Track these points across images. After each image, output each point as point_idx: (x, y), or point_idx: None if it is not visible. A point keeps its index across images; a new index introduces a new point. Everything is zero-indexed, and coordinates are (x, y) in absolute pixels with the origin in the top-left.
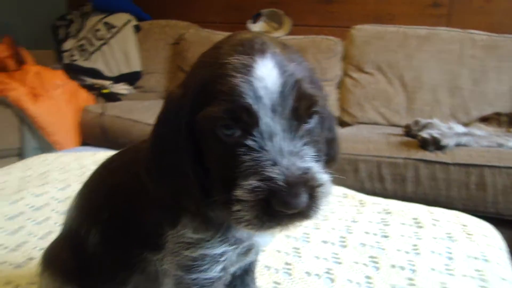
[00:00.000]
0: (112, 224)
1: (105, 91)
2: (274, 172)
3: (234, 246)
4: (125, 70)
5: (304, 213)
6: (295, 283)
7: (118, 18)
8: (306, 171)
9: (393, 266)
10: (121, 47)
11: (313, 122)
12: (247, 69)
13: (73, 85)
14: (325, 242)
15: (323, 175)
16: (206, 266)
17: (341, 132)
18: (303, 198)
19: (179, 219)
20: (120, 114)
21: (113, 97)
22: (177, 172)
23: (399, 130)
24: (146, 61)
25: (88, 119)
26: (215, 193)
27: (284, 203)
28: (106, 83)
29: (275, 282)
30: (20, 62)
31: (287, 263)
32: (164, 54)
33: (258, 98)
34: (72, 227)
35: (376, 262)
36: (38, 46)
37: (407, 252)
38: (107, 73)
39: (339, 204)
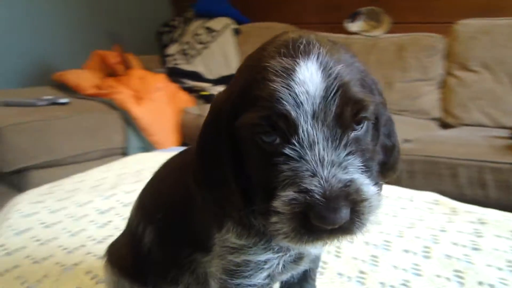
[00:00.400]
0: (166, 223)
1: (204, 93)
2: (312, 184)
3: (279, 254)
4: (224, 72)
5: (346, 229)
6: None
7: (218, 22)
8: (349, 184)
9: (480, 283)
10: (221, 50)
11: (362, 129)
12: (288, 73)
13: (174, 87)
14: (406, 251)
15: (369, 188)
16: (250, 272)
17: (442, 134)
18: (342, 214)
19: (224, 223)
20: None
21: (212, 99)
22: (219, 179)
23: (507, 133)
24: None
25: (188, 120)
26: (256, 202)
27: (321, 218)
28: (206, 85)
29: None
30: (127, 67)
31: (361, 272)
32: None
33: (298, 104)
34: (133, 224)
35: (461, 277)
36: (144, 52)
37: (499, 269)
38: (207, 75)
39: (429, 211)
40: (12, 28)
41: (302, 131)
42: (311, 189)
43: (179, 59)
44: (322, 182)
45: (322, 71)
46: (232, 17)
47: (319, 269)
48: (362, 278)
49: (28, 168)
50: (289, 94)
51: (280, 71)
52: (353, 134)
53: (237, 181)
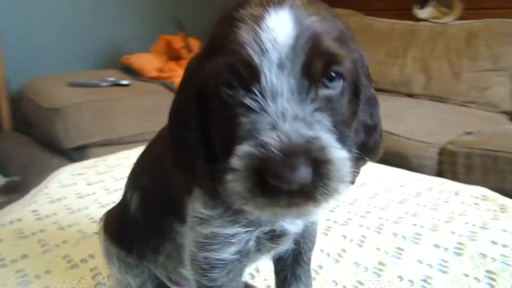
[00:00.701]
0: (149, 191)
1: None
2: (270, 137)
3: (248, 229)
4: None
5: (307, 194)
6: (381, 286)
7: None
8: (312, 141)
9: None
10: None
11: (336, 89)
12: (256, 20)
13: None
14: (437, 246)
15: (337, 151)
16: (217, 246)
17: (508, 128)
18: (301, 172)
19: (193, 191)
20: None
21: None
22: (185, 141)
23: None
24: None
25: None
26: (218, 164)
27: (277, 175)
28: None
29: (358, 282)
30: (190, 51)
31: (381, 263)
32: None
33: (263, 51)
34: (125, 191)
35: (493, 279)
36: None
37: None
38: None
39: (474, 206)
40: (85, 12)
41: (265, 80)
42: (268, 142)
43: None
44: (281, 136)
45: (294, 20)
46: None
47: (335, 257)
48: (380, 270)
49: (89, 145)
50: (254, 40)
51: (248, 19)
52: (325, 92)
53: (205, 144)
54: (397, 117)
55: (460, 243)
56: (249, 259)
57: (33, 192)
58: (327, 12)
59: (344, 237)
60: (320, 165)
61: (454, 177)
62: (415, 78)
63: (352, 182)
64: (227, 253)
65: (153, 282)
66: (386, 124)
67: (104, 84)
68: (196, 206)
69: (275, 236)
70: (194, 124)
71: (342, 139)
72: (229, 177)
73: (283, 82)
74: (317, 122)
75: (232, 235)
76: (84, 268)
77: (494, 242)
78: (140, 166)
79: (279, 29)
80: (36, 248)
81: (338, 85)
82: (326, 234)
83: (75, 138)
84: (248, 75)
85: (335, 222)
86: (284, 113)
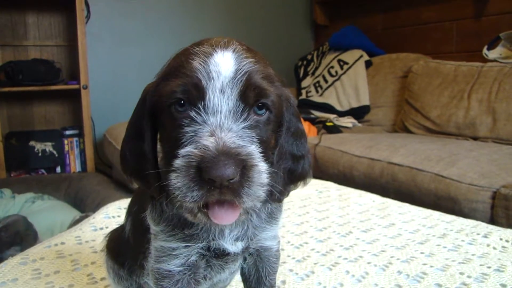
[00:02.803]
0: (137, 216)
1: (329, 123)
2: (208, 141)
3: (186, 243)
4: (355, 104)
5: (235, 191)
6: None
7: (351, 55)
8: (241, 147)
9: None
10: (352, 82)
11: (263, 117)
12: (206, 55)
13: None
14: (439, 285)
15: (260, 161)
16: (164, 258)
17: None
18: (231, 169)
19: (146, 210)
20: (332, 145)
21: (335, 130)
22: (138, 155)
23: None
24: (375, 95)
25: None
26: (164, 172)
27: (211, 169)
28: (331, 116)
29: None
30: None
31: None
32: (392, 87)
33: (210, 78)
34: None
35: None
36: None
37: None
38: (338, 107)
39: (500, 249)
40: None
41: (209, 100)
42: (206, 145)
43: (312, 91)
44: (217, 140)
45: (235, 59)
46: (365, 49)
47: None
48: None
49: None
50: (204, 69)
51: (200, 54)
52: (254, 116)
53: (154, 157)
54: (451, 160)
55: (464, 284)
56: (199, 273)
57: (83, 222)
58: (260, 58)
59: (347, 272)
60: (246, 168)
61: (508, 222)
62: (481, 120)
63: (279, 200)
64: (173, 265)
65: None
66: (437, 167)
67: None
68: (150, 223)
69: (219, 255)
70: (148, 136)
71: (264, 156)
72: (172, 175)
73: (222, 103)
74: (246, 136)
75: (174, 249)
76: (101, 284)
77: (503, 285)
78: (134, 195)
79: (223, 64)
80: (68, 266)
81: (265, 114)
82: (331, 269)
83: None
84: (196, 94)
85: (345, 259)
86: (221, 126)
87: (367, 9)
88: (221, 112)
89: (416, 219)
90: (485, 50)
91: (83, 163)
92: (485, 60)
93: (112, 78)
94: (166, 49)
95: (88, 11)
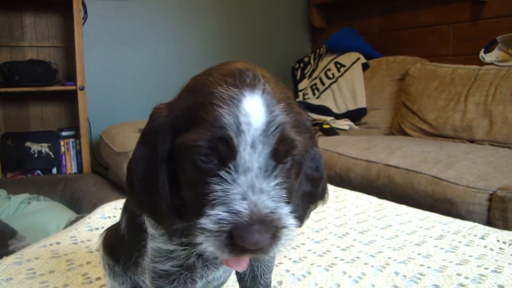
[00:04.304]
0: (133, 213)
1: (326, 126)
2: (241, 206)
3: (185, 247)
4: (351, 107)
5: (263, 250)
6: None
7: (348, 58)
8: (274, 211)
9: None
10: (348, 85)
11: (288, 163)
12: (234, 102)
13: None
14: (436, 286)
15: (289, 218)
16: (160, 258)
17: None
18: (265, 238)
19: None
20: (329, 147)
21: (332, 132)
22: (149, 189)
23: None
24: (372, 97)
25: None
26: (186, 217)
27: (245, 240)
28: (327, 118)
29: None
30: None
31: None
32: (389, 90)
33: (240, 132)
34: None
35: None
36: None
37: None
38: (335, 110)
39: (498, 251)
40: (162, 63)
41: (240, 158)
42: (240, 211)
43: (309, 94)
44: (251, 206)
45: (265, 106)
46: (362, 52)
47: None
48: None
49: None
50: (234, 122)
51: (226, 99)
52: (282, 167)
53: (169, 195)
54: (447, 162)
55: (461, 285)
56: (196, 273)
57: (78, 222)
58: (287, 95)
59: (344, 273)
60: (277, 231)
61: (505, 224)
62: (477, 123)
63: (300, 226)
64: (169, 266)
65: None
66: (435, 170)
67: None
68: (148, 225)
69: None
70: (162, 176)
71: (290, 200)
72: (201, 236)
73: (253, 160)
74: (277, 195)
75: (172, 251)
76: (96, 284)
77: (500, 286)
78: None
79: (254, 114)
80: (63, 265)
81: (290, 161)
82: (327, 270)
83: None
84: (226, 152)
85: (342, 259)
86: (253, 186)
87: (364, 12)
88: (252, 170)
89: (413, 220)
90: (482, 53)
91: (79, 164)
92: (482, 63)
93: (109, 79)
94: (163, 50)
95: (85, 12)
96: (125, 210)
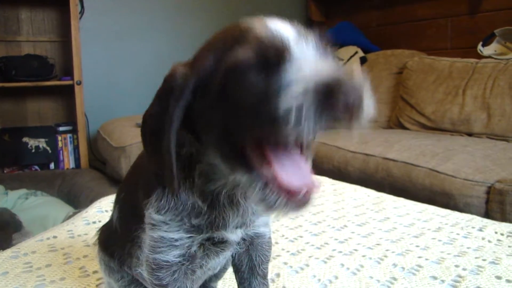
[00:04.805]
0: (124, 203)
1: None
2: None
3: (190, 235)
4: None
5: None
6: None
7: (346, 51)
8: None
9: None
10: None
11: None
12: (266, 25)
13: None
14: (434, 278)
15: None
16: (163, 249)
17: None
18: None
19: (150, 197)
20: (327, 141)
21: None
22: (160, 148)
23: None
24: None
25: None
26: (224, 160)
27: (349, 92)
28: None
29: None
30: None
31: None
32: (387, 83)
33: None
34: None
35: None
36: None
37: None
38: None
39: (496, 242)
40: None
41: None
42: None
43: None
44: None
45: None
46: (360, 46)
47: (325, 282)
48: None
49: None
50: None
51: (256, 26)
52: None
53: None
54: (445, 155)
55: (459, 276)
56: (196, 263)
57: (75, 216)
58: None
59: (342, 265)
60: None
61: (503, 216)
62: (475, 116)
63: None
64: (172, 256)
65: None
66: (433, 163)
67: None
68: (150, 212)
69: (218, 242)
70: (173, 134)
71: None
72: (287, 108)
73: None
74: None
75: (176, 239)
76: (93, 277)
77: (498, 277)
78: (123, 182)
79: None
80: (60, 259)
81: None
82: (325, 262)
83: None
84: (277, 54)
85: (340, 252)
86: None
87: (362, 5)
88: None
89: (411, 213)
90: (480, 47)
91: (77, 159)
92: (480, 56)
93: (106, 74)
94: (161, 44)
95: (82, 6)
96: (117, 200)
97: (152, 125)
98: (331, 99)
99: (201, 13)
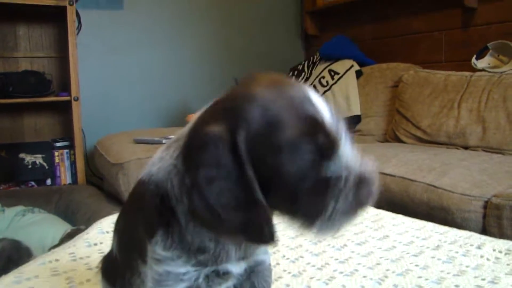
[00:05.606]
0: (123, 233)
1: None
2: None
3: (197, 268)
4: (346, 114)
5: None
6: None
7: (342, 65)
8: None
9: None
10: (343, 92)
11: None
12: (306, 97)
13: None
14: None
15: None
16: (169, 282)
17: None
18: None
19: (154, 236)
20: None
21: None
22: (245, 205)
23: None
24: (366, 104)
25: None
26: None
27: (369, 193)
28: None
29: None
30: None
31: None
32: (383, 97)
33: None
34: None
35: None
36: None
37: None
38: None
39: (494, 260)
40: (156, 75)
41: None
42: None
43: None
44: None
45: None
46: (356, 59)
47: None
48: None
49: None
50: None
51: (298, 96)
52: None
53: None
54: (442, 169)
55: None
56: None
57: (76, 237)
58: None
59: (343, 286)
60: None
61: (500, 231)
62: (471, 129)
63: None
64: None
65: None
66: (430, 177)
67: (165, 141)
68: (156, 248)
69: (222, 274)
70: (255, 181)
71: None
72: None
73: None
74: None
75: (184, 274)
76: None
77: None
78: (120, 214)
79: (324, 108)
80: (63, 284)
81: None
82: (327, 284)
83: None
84: (327, 142)
85: (341, 272)
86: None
87: (357, 19)
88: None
89: (409, 230)
90: (473, 60)
91: (74, 175)
92: (474, 69)
93: (104, 89)
94: (158, 60)
95: (79, 22)
96: (115, 230)
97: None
98: (361, 189)
99: (198, 30)
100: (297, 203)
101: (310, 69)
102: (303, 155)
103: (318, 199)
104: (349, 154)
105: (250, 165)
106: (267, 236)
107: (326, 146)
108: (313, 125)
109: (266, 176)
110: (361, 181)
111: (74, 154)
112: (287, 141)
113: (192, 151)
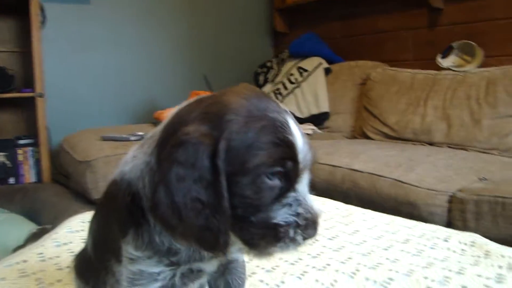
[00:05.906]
0: (97, 233)
1: None
2: (302, 210)
3: (171, 267)
4: (314, 111)
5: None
6: None
7: (310, 62)
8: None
9: None
10: (311, 89)
11: None
12: (282, 123)
13: None
14: None
15: None
16: (143, 281)
17: None
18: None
19: (126, 236)
20: None
21: None
22: (206, 211)
23: None
24: (334, 102)
25: None
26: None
27: (309, 234)
28: None
29: None
30: None
31: None
32: (351, 94)
33: (302, 153)
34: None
35: None
36: None
37: None
38: (298, 114)
39: (460, 252)
40: (123, 71)
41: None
42: (302, 213)
43: None
44: (309, 210)
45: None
46: (324, 57)
47: None
48: None
49: None
50: (293, 143)
51: (276, 121)
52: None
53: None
54: (409, 165)
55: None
56: None
57: (44, 237)
58: None
59: (317, 281)
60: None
61: (464, 224)
62: (436, 126)
63: None
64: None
65: None
66: (397, 173)
67: (133, 138)
68: (128, 248)
69: (196, 271)
70: (225, 191)
71: None
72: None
73: (306, 176)
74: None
75: (158, 273)
76: None
77: (464, 287)
78: (94, 214)
79: (298, 135)
80: (32, 285)
81: None
82: (300, 278)
83: (103, 189)
84: (295, 171)
85: (313, 267)
86: (306, 195)
87: (326, 17)
88: (304, 184)
89: (379, 225)
90: (439, 59)
91: (39, 173)
92: (439, 68)
93: (69, 86)
94: (125, 56)
95: (44, 16)
96: (90, 230)
97: (192, 192)
98: (308, 229)
99: (165, 27)
100: (251, 225)
101: (279, 66)
102: (267, 182)
103: (270, 229)
104: (306, 190)
105: (224, 175)
106: (221, 246)
107: (292, 174)
108: (286, 152)
109: (231, 191)
110: (310, 220)
111: (38, 152)
112: (257, 166)
113: (169, 147)
